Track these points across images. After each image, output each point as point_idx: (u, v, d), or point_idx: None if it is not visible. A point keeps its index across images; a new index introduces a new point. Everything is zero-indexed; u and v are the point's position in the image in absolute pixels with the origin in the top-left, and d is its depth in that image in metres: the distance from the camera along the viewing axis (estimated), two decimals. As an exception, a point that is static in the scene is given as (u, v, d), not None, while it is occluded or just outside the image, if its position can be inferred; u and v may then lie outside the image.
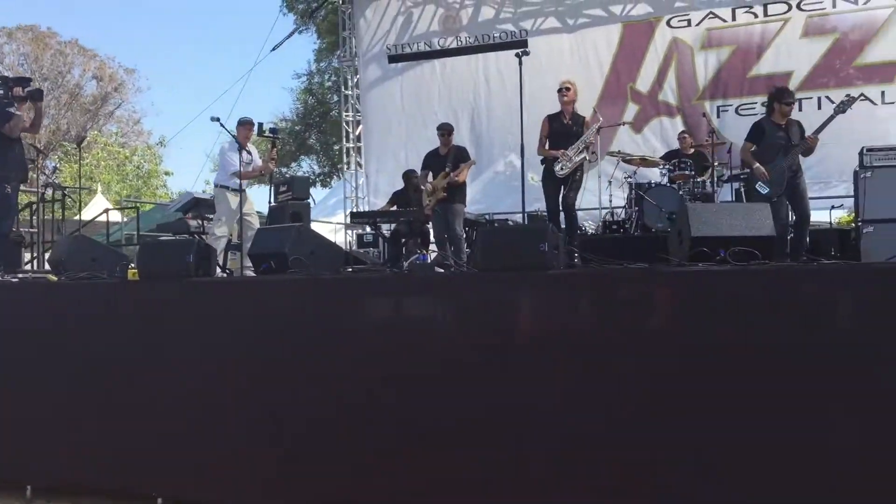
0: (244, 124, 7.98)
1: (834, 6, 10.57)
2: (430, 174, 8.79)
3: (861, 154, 7.98)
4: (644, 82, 11.56)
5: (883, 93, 10.39)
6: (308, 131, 30.29)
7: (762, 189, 7.39)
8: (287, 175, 27.15)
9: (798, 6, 10.70)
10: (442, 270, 4.96)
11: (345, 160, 13.50)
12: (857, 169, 7.94)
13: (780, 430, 3.54)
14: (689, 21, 11.27)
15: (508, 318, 4.06)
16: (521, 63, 7.56)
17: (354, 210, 12.55)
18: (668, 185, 8.51)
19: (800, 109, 10.74)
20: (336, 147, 29.41)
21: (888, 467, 3.39)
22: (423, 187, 8.75)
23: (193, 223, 8.44)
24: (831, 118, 7.46)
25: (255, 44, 53.06)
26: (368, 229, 10.87)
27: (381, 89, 12.97)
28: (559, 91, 8.11)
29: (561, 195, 7.72)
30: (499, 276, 4.06)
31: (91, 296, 5.14)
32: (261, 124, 7.63)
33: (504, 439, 3.97)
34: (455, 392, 4.10)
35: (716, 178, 8.45)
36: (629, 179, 9.01)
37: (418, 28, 12.69)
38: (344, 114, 13.36)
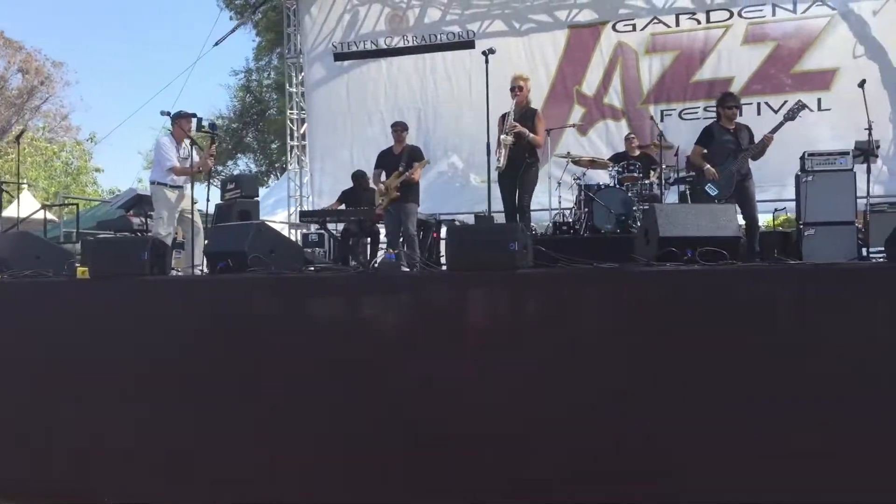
0: (182, 118, 7.72)
1: (773, 14, 10.85)
2: (384, 173, 8.70)
3: (802, 159, 8.22)
4: (590, 85, 11.68)
5: (819, 100, 10.70)
6: (245, 129, 29.88)
7: (711, 190, 7.45)
8: (231, 173, 26.71)
9: (739, 14, 10.96)
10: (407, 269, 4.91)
11: (289, 158, 13.29)
12: (799, 173, 8.16)
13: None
14: (634, 26, 11.43)
15: (478, 317, 4.04)
16: (487, 62, 7.43)
17: (300, 209, 12.37)
18: (617, 186, 8.60)
19: (740, 115, 11.05)
20: (273, 145, 29.08)
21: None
22: (375, 186, 8.66)
23: (136, 220, 8.19)
24: (781, 124, 7.52)
25: (187, 39, 52.17)
26: (314, 228, 10.74)
27: (326, 88, 12.81)
28: (511, 89, 7.79)
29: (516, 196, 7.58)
30: (468, 275, 4.04)
31: (37, 295, 4.93)
32: (199, 119, 7.38)
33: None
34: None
35: (663, 181, 8.56)
36: (578, 181, 9.07)
37: (364, 27, 12.57)
38: (288, 112, 13.15)
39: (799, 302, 3.67)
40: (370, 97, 12.62)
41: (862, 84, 7.49)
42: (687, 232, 4.08)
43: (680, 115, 11.23)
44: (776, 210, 9.49)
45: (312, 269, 4.98)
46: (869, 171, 7.18)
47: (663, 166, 8.58)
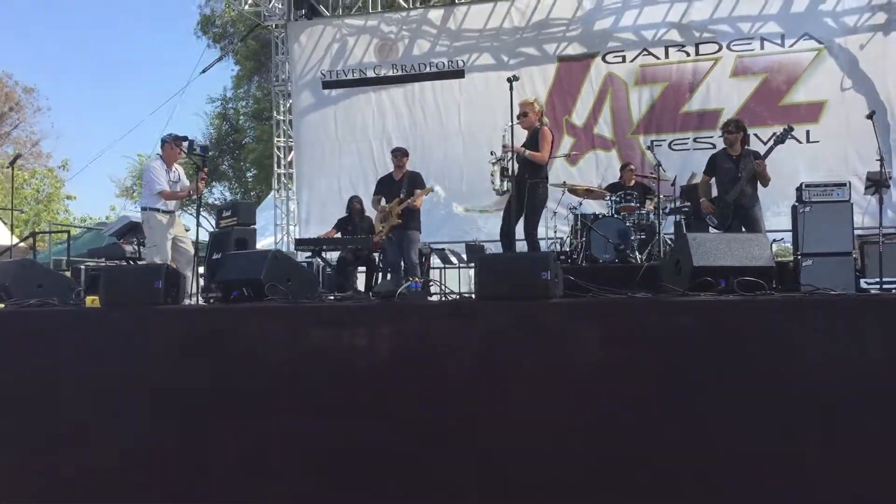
0: (172, 141, 7.55)
1: (762, 48, 10.99)
2: (383, 199, 8.59)
3: (799, 189, 8.25)
4: (579, 116, 11.73)
5: (808, 132, 10.83)
6: (221, 157, 29.68)
7: (711, 222, 7.47)
8: (206, 202, 26.42)
9: (728, 46, 11.08)
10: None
11: (275, 186, 13.16)
12: (797, 204, 8.19)
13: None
14: (623, 57, 11.51)
15: (509, 348, 3.94)
16: (511, 88, 7.12)
17: (295, 237, 12.25)
18: (615, 216, 8.59)
19: (748, 143, 11.16)
20: (249, 174, 28.88)
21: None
22: (375, 212, 8.55)
23: (129, 248, 8.00)
24: (771, 148, 7.50)
25: (162, 66, 51.83)
26: (302, 256, 10.59)
27: (313, 116, 12.73)
28: (517, 116, 7.29)
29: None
30: (500, 304, 3.95)
31: (46, 324, 4.74)
32: (191, 142, 7.24)
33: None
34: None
35: (660, 211, 8.57)
36: (574, 210, 9.05)
37: (353, 56, 12.54)
38: (275, 139, 13.05)
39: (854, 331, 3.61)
40: (358, 126, 12.56)
41: (871, 115, 7.45)
42: (721, 262, 4.03)
43: (670, 146, 11.29)
44: (773, 241, 9.51)
45: (332, 298, 4.85)
46: (881, 201, 7.19)
47: (660, 196, 8.59)
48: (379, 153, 12.42)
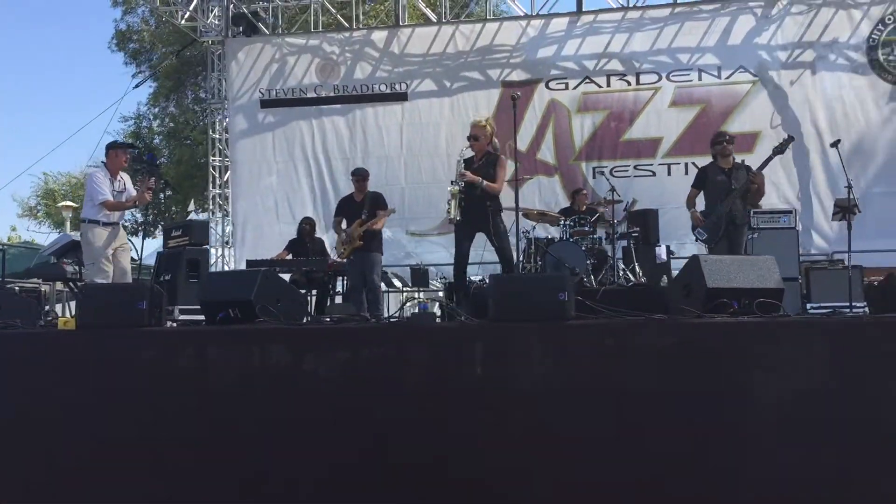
0: (117, 148, 7.11)
1: (700, 79, 11.30)
2: (344, 221, 8.37)
3: (748, 216, 8.46)
4: (523, 141, 11.76)
5: (743, 161, 11.13)
6: (134, 177, 28.57)
7: (700, 235, 7.30)
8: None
9: (667, 77, 11.35)
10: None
11: (211, 206, 12.74)
12: (746, 230, 8.36)
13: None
14: (566, 84, 11.65)
15: (524, 371, 3.82)
16: (514, 106, 7.06)
17: (226, 259, 11.86)
18: (570, 240, 8.60)
19: (668, 174, 11.45)
20: (163, 195, 27.93)
21: None
22: (336, 234, 8.32)
23: (70, 269, 7.52)
24: (770, 158, 7.46)
25: (69, 84, 49.91)
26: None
27: (251, 135, 12.39)
28: (467, 138, 6.96)
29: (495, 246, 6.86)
30: (515, 326, 3.83)
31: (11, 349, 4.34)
32: (138, 150, 6.85)
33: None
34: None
35: (614, 235, 8.65)
36: (527, 234, 9.03)
37: (293, 76, 12.30)
38: (210, 159, 12.65)
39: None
40: (297, 146, 12.29)
41: (836, 144, 7.62)
42: (733, 283, 4.03)
43: (611, 173, 11.39)
44: None
45: (328, 319, 4.63)
46: (850, 227, 7.35)
47: (614, 221, 8.66)
48: (318, 175, 12.20)
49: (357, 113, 12.16)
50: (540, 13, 11.78)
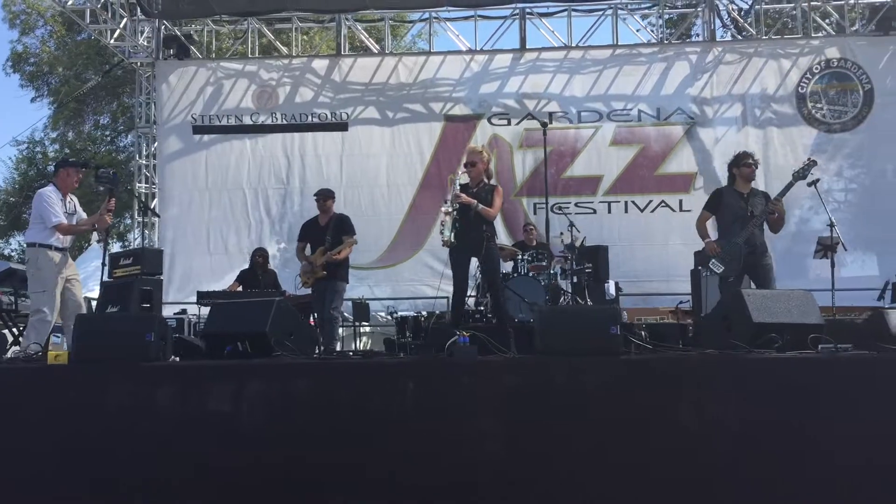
0: (69, 166, 6.49)
1: (639, 119, 11.54)
2: (308, 246, 7.99)
3: (703, 253, 8.57)
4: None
5: (681, 201, 11.42)
6: (26, 204, 26.99)
7: (716, 267, 6.70)
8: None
9: (608, 116, 11.53)
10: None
11: (135, 235, 12.11)
12: (700, 268, 8.46)
13: None
14: (508, 120, 11.68)
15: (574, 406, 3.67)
16: (545, 133, 7.27)
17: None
18: (529, 275, 8.54)
19: (609, 212, 11.59)
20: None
21: None
22: (300, 260, 7.93)
23: (5, 299, 6.89)
24: (791, 184, 6.79)
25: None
26: (173, 312, 9.78)
27: (182, 162, 11.85)
28: (464, 165, 6.92)
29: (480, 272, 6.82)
30: (563, 360, 3.69)
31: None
32: (97, 168, 6.36)
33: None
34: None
35: (571, 270, 8.64)
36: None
37: (229, 101, 11.87)
38: (137, 185, 12.04)
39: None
40: (231, 175, 11.83)
41: (814, 183, 7.44)
42: (779, 318, 4.02)
43: (552, 210, 11.47)
44: (680, 302, 9.80)
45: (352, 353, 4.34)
46: (833, 264, 7.47)
47: (573, 257, 8.66)
48: (253, 204, 11.77)
49: (296, 141, 11.82)
50: (484, 48, 11.81)
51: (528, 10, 11.70)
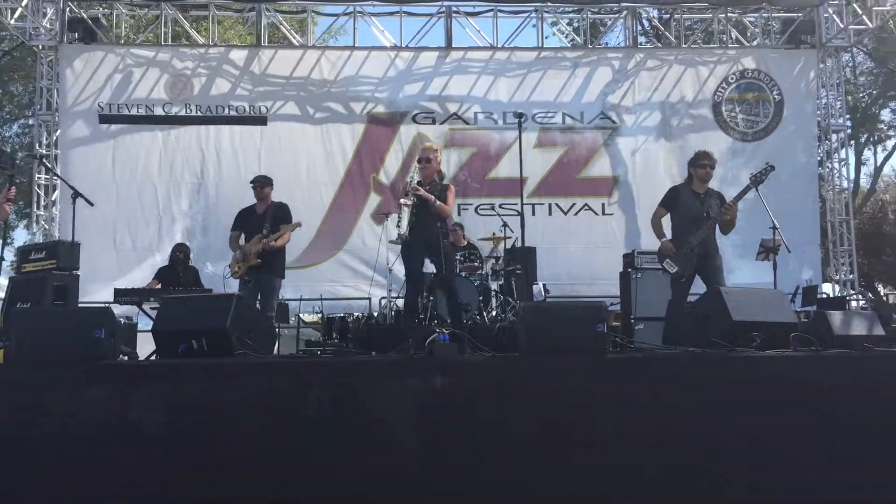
0: None
1: (563, 122, 11.58)
2: (243, 236, 7.53)
3: (631, 256, 8.62)
4: (387, 174, 11.47)
5: (603, 204, 11.52)
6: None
7: (670, 267, 6.64)
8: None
9: (533, 118, 11.51)
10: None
11: (34, 229, 11.29)
12: (630, 270, 8.51)
13: None
14: (433, 119, 11.53)
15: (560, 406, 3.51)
16: (520, 128, 7.19)
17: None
18: (462, 276, 8.38)
19: (532, 214, 11.54)
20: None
21: None
22: (232, 250, 7.46)
23: None
24: (748, 188, 6.71)
25: None
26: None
27: (87, 152, 11.13)
28: (419, 160, 6.77)
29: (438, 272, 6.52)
30: (548, 360, 3.51)
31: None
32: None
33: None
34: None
35: (503, 271, 8.55)
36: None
37: (139, 90, 11.24)
38: (36, 177, 11.24)
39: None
40: (141, 167, 11.20)
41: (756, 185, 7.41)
42: (756, 317, 3.97)
43: (476, 210, 11.41)
44: (610, 304, 9.80)
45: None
46: (775, 266, 7.54)
47: (506, 257, 8.57)
48: (164, 198, 11.18)
49: (211, 134, 11.31)
50: (409, 46, 11.61)
51: (454, 9, 11.57)
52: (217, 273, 10.22)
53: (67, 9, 11.30)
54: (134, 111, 11.24)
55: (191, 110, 11.30)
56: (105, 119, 11.18)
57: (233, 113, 11.33)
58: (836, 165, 12.16)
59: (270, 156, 11.34)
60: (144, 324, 9.15)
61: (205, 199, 11.23)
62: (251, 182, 7.84)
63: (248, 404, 3.47)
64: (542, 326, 3.80)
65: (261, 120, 11.35)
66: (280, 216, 7.49)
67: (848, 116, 11.88)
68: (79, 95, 11.18)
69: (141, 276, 10.85)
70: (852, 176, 11.97)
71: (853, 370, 3.87)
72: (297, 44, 11.72)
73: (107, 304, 8.76)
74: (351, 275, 11.13)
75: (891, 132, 21.76)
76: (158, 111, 11.26)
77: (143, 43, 11.80)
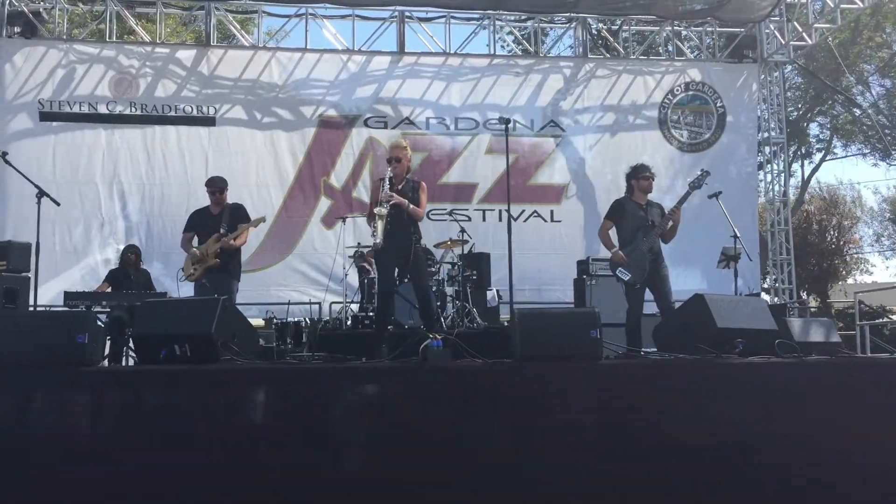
0: None
1: (514, 129, 11.65)
2: (196, 238, 7.33)
3: (587, 263, 8.73)
4: (338, 178, 11.38)
5: (552, 211, 11.65)
6: None
7: (623, 275, 6.80)
8: None
9: (484, 125, 11.59)
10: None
11: (-34, 230, 10.81)
12: (585, 277, 8.62)
13: None
14: (385, 123, 11.48)
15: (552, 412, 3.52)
16: (507, 132, 7.12)
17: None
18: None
19: (483, 220, 11.61)
20: None
21: None
22: (186, 252, 7.25)
23: None
24: (688, 193, 7.00)
25: None
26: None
27: (27, 149, 10.72)
28: (388, 161, 6.52)
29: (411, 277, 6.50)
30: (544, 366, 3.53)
31: None
32: None
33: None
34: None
35: (461, 276, 8.57)
36: (367, 274, 8.69)
37: (82, 86, 10.91)
38: (-32, 174, 10.78)
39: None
40: (83, 167, 10.86)
41: (716, 195, 7.63)
42: (740, 324, 4.05)
43: (428, 216, 11.33)
44: None
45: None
46: (736, 274, 7.70)
47: (455, 262, 8.63)
48: (107, 200, 10.87)
49: (157, 134, 11.04)
50: (362, 49, 11.55)
51: (407, 14, 11.56)
52: (162, 276, 10.06)
53: (7, 2, 10.90)
54: (76, 109, 10.90)
55: (136, 109, 11.02)
56: (46, 116, 10.82)
57: (179, 113, 11.09)
58: (772, 177, 12.54)
59: (218, 158, 11.14)
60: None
61: (149, 201, 10.95)
62: (207, 184, 7.65)
63: (265, 410, 3.40)
64: (537, 333, 3.82)
65: (208, 121, 11.14)
66: (237, 216, 7.36)
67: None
68: (18, 91, 10.78)
69: (80, 276, 10.55)
70: (781, 188, 12.29)
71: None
72: (247, 44, 11.54)
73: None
74: (301, 279, 11.00)
75: (819, 146, 22.66)
76: (102, 109, 10.95)
77: (87, 39, 11.46)
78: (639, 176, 7.09)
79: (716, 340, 4.11)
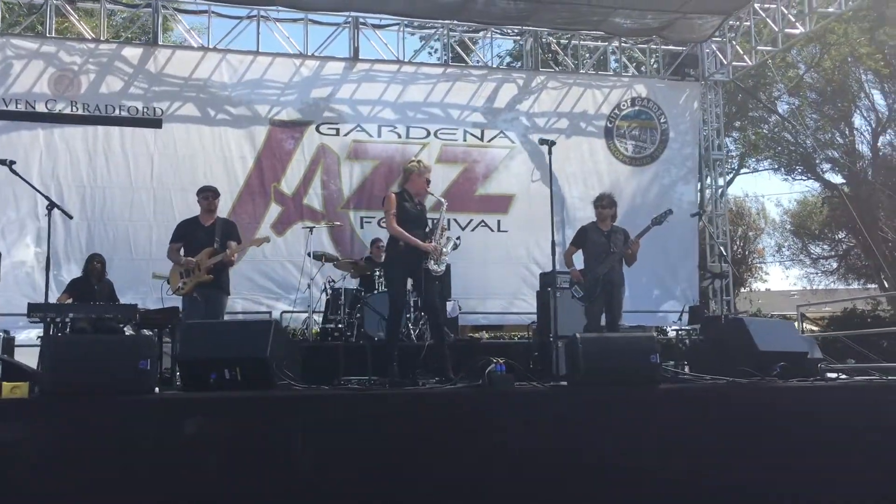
0: None
1: (464, 139, 11.73)
2: (183, 248, 7.05)
3: (553, 275, 8.86)
4: (289, 184, 11.20)
5: (499, 221, 11.76)
6: None
7: (577, 293, 7.51)
8: None
9: (435, 134, 11.61)
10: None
11: None
12: (549, 289, 8.73)
13: None
14: (337, 130, 11.37)
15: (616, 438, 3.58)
16: (550, 153, 7.10)
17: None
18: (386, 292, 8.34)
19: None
20: None
21: None
22: (175, 262, 6.97)
23: None
24: (648, 228, 7.45)
25: None
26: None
27: (-43, 150, 10.18)
28: (426, 180, 6.61)
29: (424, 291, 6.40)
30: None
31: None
32: None
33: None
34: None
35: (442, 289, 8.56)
36: (331, 284, 8.60)
37: (19, 84, 10.37)
38: None
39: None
40: (20, 168, 10.17)
41: (699, 215, 8.01)
42: (778, 347, 4.19)
43: (379, 224, 11.30)
44: (532, 323, 9.94)
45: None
46: (723, 290, 7.91)
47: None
48: (44, 205, 10.33)
49: (100, 135, 10.62)
50: (315, 54, 11.39)
51: (361, 20, 11.45)
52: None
53: (-64, -8, 10.31)
54: (12, 107, 10.37)
55: (77, 108, 10.57)
56: (-21, 115, 10.27)
57: (124, 113, 10.69)
58: (710, 192, 12.94)
59: (164, 160, 10.82)
60: (24, 338, 8.52)
61: (91, 206, 10.52)
62: (200, 192, 7.41)
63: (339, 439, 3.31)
64: (600, 356, 3.90)
65: (155, 122, 10.78)
66: (230, 233, 7.19)
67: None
68: (-50, 88, 10.20)
69: (11, 287, 10.02)
70: (719, 203, 12.70)
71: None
72: (195, 45, 11.21)
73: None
74: (250, 287, 10.77)
75: (731, 162, 23.49)
76: (41, 108, 10.45)
77: (25, 34, 10.92)
78: (599, 205, 7.68)
79: (758, 363, 4.25)
